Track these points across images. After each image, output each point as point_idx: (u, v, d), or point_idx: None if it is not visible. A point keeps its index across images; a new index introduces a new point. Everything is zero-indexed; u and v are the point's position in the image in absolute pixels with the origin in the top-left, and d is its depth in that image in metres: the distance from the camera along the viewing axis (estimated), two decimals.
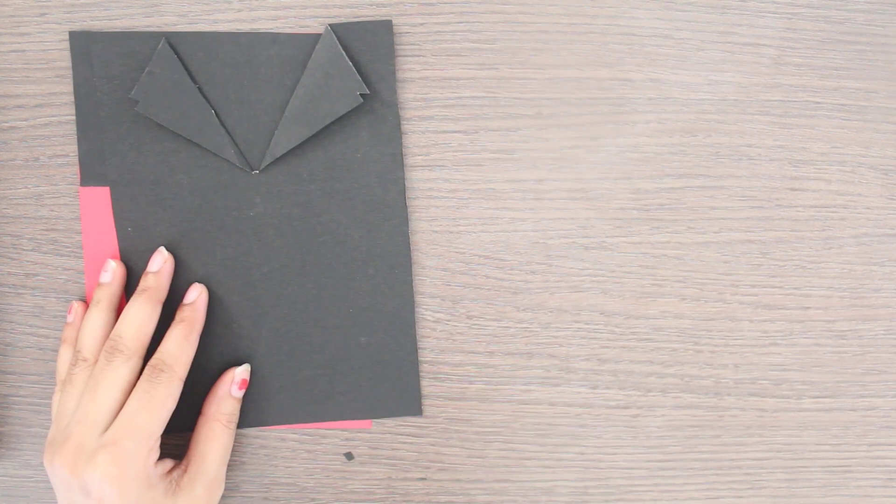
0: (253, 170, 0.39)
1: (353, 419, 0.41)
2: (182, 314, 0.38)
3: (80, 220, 0.39)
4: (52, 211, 0.39)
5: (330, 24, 0.38)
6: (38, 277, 0.40)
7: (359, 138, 0.39)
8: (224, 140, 0.38)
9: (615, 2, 0.39)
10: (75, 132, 0.39)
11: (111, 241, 0.39)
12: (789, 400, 0.43)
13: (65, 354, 0.39)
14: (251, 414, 0.41)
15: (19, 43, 0.38)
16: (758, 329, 0.42)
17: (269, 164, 0.39)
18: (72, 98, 0.38)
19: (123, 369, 0.36)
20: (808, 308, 0.43)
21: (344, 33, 0.38)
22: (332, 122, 0.38)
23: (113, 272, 0.39)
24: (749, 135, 0.41)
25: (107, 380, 0.35)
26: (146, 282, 0.38)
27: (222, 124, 0.39)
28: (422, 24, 0.39)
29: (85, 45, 0.38)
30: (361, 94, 0.38)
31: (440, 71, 0.39)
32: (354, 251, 0.40)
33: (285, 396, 0.41)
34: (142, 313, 0.37)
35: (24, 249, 0.40)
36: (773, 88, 0.40)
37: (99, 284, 0.39)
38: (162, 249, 0.39)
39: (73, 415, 0.35)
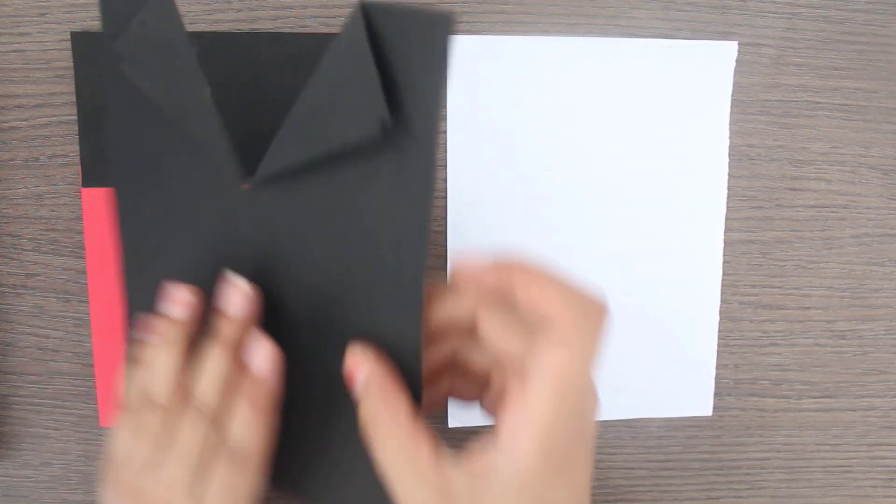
0: (245, 177, 0.31)
1: None
2: (250, 390, 0.30)
3: (80, 221, 0.39)
4: (52, 211, 0.39)
5: (365, 2, 0.26)
6: (38, 277, 0.40)
7: (378, 175, 0.28)
8: (214, 125, 0.30)
9: (615, 2, 0.39)
10: (75, 132, 0.39)
11: (114, 243, 0.39)
12: (789, 400, 0.43)
13: (136, 380, 0.31)
14: None
15: (19, 43, 0.38)
16: (758, 329, 0.42)
17: (263, 179, 0.30)
18: (72, 98, 0.38)
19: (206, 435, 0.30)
20: (808, 308, 0.43)
21: (384, 21, 0.26)
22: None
23: (190, 307, 0.31)
24: (749, 135, 0.41)
25: (194, 449, 0.29)
26: (224, 330, 0.30)
27: (216, 107, 0.30)
28: None
29: (87, 46, 0.37)
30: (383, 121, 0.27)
31: None
32: (357, 324, 0.30)
33: None
34: (222, 368, 0.30)
35: (24, 249, 0.40)
36: (773, 88, 0.40)
37: (169, 319, 0.31)
38: (237, 281, 0.31)
39: (149, 468, 0.30)
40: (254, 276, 0.31)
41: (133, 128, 0.33)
